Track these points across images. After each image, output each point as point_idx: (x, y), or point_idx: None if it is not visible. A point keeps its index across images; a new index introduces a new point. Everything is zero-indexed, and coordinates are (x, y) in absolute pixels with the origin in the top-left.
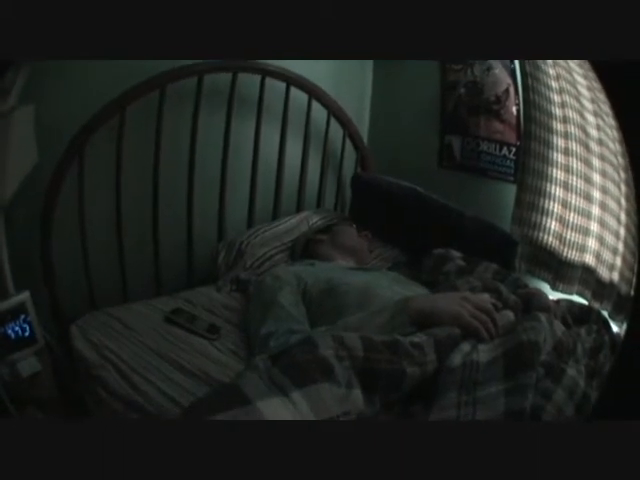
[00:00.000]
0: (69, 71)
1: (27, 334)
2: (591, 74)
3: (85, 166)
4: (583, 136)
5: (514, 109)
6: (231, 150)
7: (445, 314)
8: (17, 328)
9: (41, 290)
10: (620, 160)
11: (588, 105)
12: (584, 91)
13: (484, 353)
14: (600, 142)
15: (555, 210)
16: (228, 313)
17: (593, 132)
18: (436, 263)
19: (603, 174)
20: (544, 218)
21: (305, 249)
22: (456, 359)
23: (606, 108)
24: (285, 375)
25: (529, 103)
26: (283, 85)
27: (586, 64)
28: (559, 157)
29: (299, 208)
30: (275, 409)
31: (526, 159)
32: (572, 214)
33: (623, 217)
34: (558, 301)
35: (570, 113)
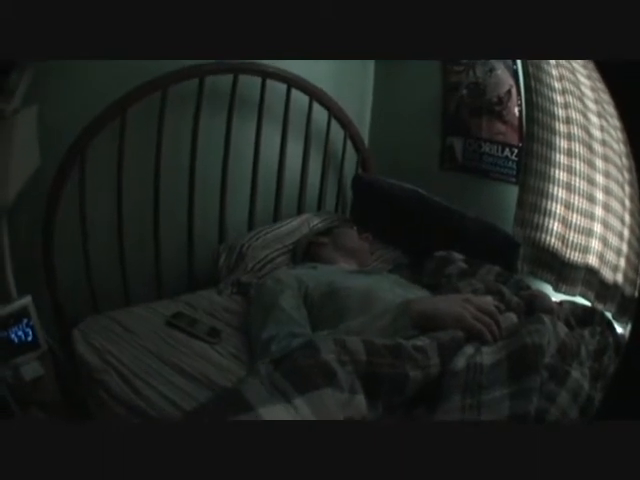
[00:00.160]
0: (71, 72)
1: (30, 338)
2: (595, 74)
3: (87, 168)
4: (586, 137)
5: (516, 110)
6: (232, 152)
7: (448, 316)
8: (20, 332)
9: (43, 293)
10: (624, 161)
11: (592, 106)
12: (588, 92)
13: (488, 356)
14: (604, 143)
15: (558, 211)
16: (229, 316)
17: (596, 133)
18: (438, 265)
19: (606, 175)
20: (546, 219)
21: (306, 252)
22: (460, 362)
23: (610, 109)
24: (287, 380)
25: (531, 104)
26: (284, 87)
27: (590, 64)
28: (562, 158)
29: (300, 210)
30: (277, 415)
31: (528, 160)
32: (575, 215)
33: (627, 218)
34: (561, 303)
35: (573, 114)
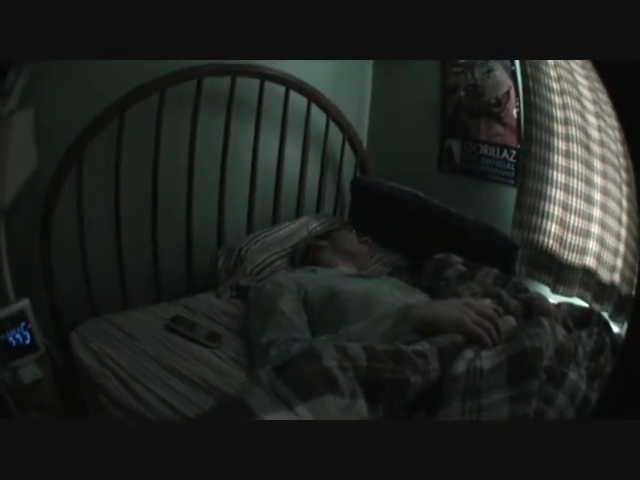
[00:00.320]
0: (69, 72)
1: (28, 341)
2: (593, 75)
3: (84, 170)
4: (584, 138)
5: (515, 112)
6: (230, 154)
7: (448, 321)
8: (18, 335)
9: (41, 295)
10: (622, 161)
11: (590, 106)
12: (586, 92)
13: (487, 360)
14: (601, 143)
15: (556, 213)
16: (228, 320)
17: (594, 134)
18: (437, 268)
19: (604, 176)
20: (544, 221)
21: (305, 255)
22: (459, 366)
23: (608, 109)
24: (289, 388)
25: (530, 105)
26: (282, 89)
27: (588, 64)
28: (560, 159)
29: (298, 213)
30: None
31: (526, 162)
32: (573, 217)
33: (624, 218)
34: (559, 304)
35: (571, 115)
